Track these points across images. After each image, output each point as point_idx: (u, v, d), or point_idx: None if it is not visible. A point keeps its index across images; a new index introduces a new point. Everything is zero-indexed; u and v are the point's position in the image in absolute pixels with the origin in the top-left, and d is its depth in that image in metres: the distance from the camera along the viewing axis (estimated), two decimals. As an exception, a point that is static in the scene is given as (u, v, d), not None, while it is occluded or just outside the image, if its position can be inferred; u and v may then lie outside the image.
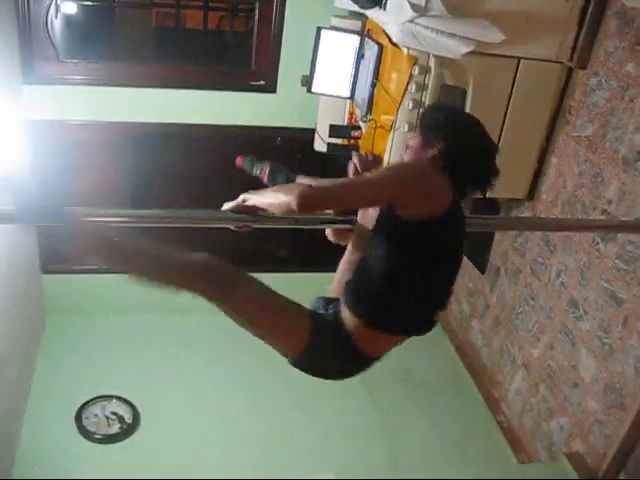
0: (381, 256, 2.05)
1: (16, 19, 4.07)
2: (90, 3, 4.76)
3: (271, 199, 2.00)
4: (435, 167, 2.08)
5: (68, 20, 4.60)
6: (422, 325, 2.23)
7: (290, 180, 2.43)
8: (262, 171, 2.54)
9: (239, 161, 2.61)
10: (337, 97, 4.23)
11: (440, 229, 2.04)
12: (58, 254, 4.96)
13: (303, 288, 5.41)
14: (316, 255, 5.33)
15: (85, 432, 4.07)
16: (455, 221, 2.14)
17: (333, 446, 4.21)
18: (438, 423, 4.44)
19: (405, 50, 3.60)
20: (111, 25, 5.20)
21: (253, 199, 2.06)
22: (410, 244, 2.03)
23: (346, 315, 2.13)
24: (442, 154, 2.11)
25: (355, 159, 2.28)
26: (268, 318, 2.20)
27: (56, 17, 4.31)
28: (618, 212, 3.43)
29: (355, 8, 3.88)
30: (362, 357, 2.29)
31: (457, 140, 2.15)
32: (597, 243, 3.60)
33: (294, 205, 1.88)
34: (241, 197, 2.10)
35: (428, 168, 2.07)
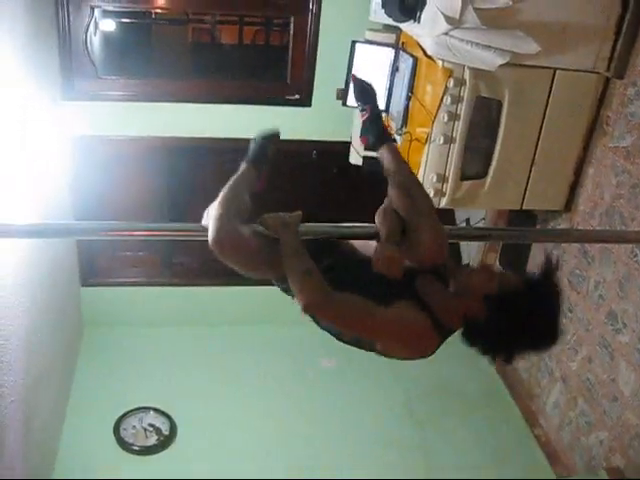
0: None
1: (57, 36, 4.15)
2: (128, 20, 4.83)
3: (292, 280, 1.98)
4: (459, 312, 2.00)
5: (106, 37, 4.68)
6: None
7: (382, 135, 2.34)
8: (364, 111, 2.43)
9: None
10: (372, 110, 4.24)
11: None
12: (97, 267, 5.03)
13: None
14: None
15: (123, 444, 4.11)
16: None
17: (370, 456, 4.21)
18: (475, 436, 4.41)
19: (440, 62, 3.60)
20: (148, 42, 5.27)
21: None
22: None
23: None
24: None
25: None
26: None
27: (95, 34, 4.39)
28: (657, 223, 3.39)
29: (389, 21, 3.89)
30: None
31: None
32: (636, 255, 3.55)
33: (300, 306, 1.93)
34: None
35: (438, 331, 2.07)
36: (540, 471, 4.22)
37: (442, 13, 3.32)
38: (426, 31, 3.54)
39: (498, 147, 3.83)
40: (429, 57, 3.68)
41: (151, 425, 4.26)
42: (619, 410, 3.66)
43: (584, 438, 3.97)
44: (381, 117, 2.40)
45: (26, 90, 3.50)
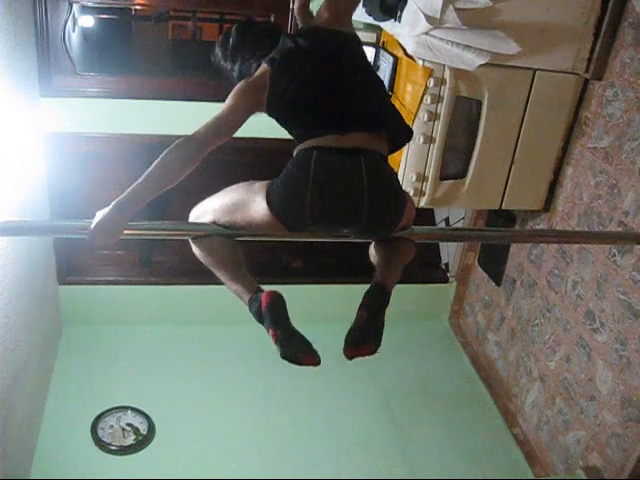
0: None
1: (34, 32, 4.10)
2: (107, 17, 4.80)
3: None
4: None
5: (85, 33, 4.65)
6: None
7: None
8: None
9: None
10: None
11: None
12: (74, 265, 4.99)
13: (318, 300, 5.43)
14: (327, 266, 5.36)
15: (100, 443, 4.07)
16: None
17: (349, 457, 4.19)
18: (454, 435, 4.42)
19: (420, 62, 3.61)
20: (128, 38, 5.24)
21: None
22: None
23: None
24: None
25: None
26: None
27: (73, 30, 4.35)
28: (635, 223, 3.41)
29: (370, 20, 3.89)
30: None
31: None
32: (614, 255, 3.58)
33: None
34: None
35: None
36: (518, 470, 4.23)
37: (423, 13, 3.33)
38: (407, 30, 3.54)
39: (478, 147, 3.85)
40: (409, 56, 3.69)
41: (129, 425, 4.23)
42: (596, 409, 3.68)
43: (562, 437, 3.99)
44: None
45: (3, 86, 3.46)
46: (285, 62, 2.28)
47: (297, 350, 2.10)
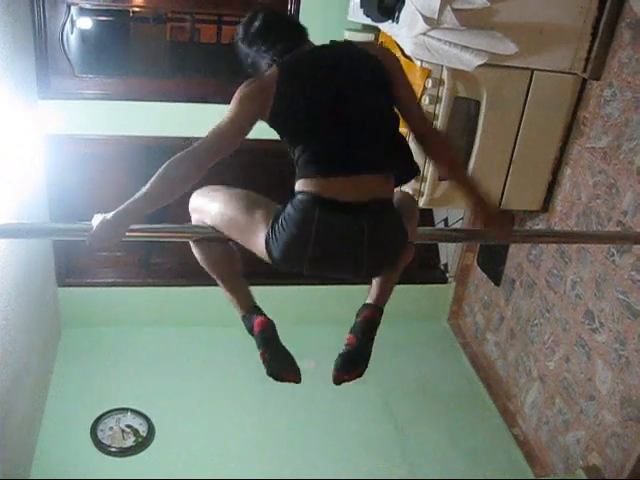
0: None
1: (32, 34, 4.10)
2: (105, 18, 4.80)
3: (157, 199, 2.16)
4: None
5: (83, 35, 4.64)
6: (348, 153, 2.17)
7: None
8: None
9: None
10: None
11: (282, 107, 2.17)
12: (73, 267, 4.99)
13: (317, 301, 5.43)
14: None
15: (100, 445, 4.07)
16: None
17: (349, 458, 4.20)
18: (453, 436, 4.42)
19: (418, 63, 3.61)
20: (126, 40, 5.24)
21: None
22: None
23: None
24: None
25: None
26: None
27: (72, 32, 4.35)
28: (633, 223, 3.42)
29: (368, 21, 3.89)
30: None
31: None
32: (612, 255, 3.58)
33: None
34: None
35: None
36: (518, 470, 4.23)
37: (420, 13, 3.33)
38: (404, 31, 3.54)
39: (476, 147, 3.85)
40: (407, 57, 3.69)
41: (128, 426, 4.23)
42: (596, 409, 3.68)
43: (561, 437, 3.99)
44: None
45: (1, 89, 3.46)
46: (296, 70, 2.20)
47: (281, 370, 2.44)
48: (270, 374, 2.42)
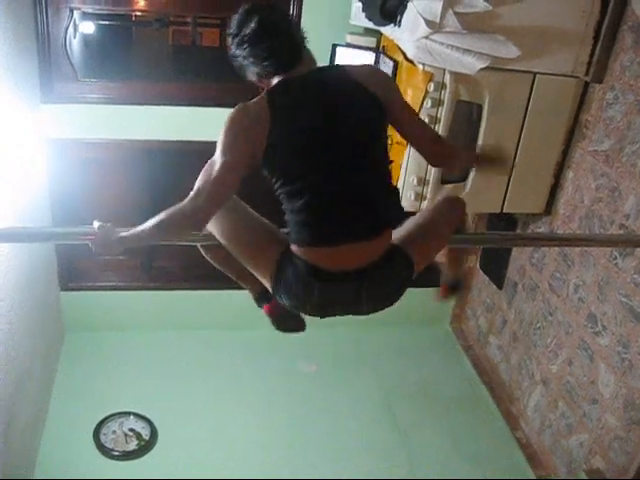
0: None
1: (35, 39, 4.11)
2: (108, 23, 4.81)
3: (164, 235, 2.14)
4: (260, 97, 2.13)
5: (86, 40, 4.65)
6: (351, 223, 2.14)
7: None
8: None
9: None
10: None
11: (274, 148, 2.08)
12: (76, 271, 4.99)
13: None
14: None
15: (103, 448, 4.08)
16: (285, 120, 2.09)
17: (352, 461, 4.20)
18: (456, 439, 4.42)
19: (420, 66, 3.61)
20: (128, 44, 5.25)
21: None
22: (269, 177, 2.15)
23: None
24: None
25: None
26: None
27: (74, 37, 4.36)
28: (636, 226, 3.41)
29: (370, 25, 3.89)
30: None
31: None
32: (615, 258, 3.58)
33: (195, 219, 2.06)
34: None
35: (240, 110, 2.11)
36: (521, 474, 4.23)
37: (422, 17, 3.33)
38: (406, 35, 3.54)
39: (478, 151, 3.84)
40: (410, 61, 3.69)
41: (131, 430, 4.23)
42: (599, 412, 3.68)
43: (564, 440, 3.99)
44: None
45: (4, 93, 3.47)
46: (288, 108, 2.10)
47: (286, 328, 2.57)
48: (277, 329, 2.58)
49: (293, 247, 2.14)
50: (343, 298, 2.20)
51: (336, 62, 4.11)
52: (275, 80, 2.16)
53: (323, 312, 2.26)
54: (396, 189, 2.34)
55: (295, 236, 2.13)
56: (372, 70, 2.31)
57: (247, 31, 2.08)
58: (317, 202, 2.09)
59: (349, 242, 2.11)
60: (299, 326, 2.56)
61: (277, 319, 2.53)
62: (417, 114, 2.43)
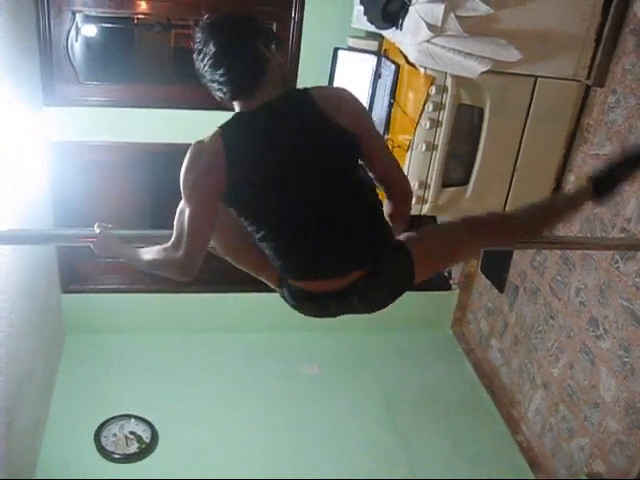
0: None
1: (37, 41, 4.12)
2: (110, 26, 4.81)
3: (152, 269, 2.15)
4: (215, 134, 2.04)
5: (88, 42, 4.66)
6: (330, 258, 2.09)
7: None
8: None
9: None
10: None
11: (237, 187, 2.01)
12: (77, 274, 5.00)
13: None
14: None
15: (104, 451, 4.07)
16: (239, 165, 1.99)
17: (352, 463, 4.20)
18: (457, 442, 4.41)
19: (422, 70, 3.61)
20: (130, 47, 5.25)
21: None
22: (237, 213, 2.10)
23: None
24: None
25: None
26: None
27: (76, 40, 4.36)
28: (637, 230, 3.41)
29: (372, 28, 3.90)
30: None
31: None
32: (616, 261, 3.58)
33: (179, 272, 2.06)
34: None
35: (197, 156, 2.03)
36: (522, 477, 4.22)
37: (424, 21, 3.34)
38: (408, 38, 3.55)
39: (480, 154, 3.85)
40: (411, 64, 3.69)
41: (132, 433, 4.23)
42: (600, 416, 3.67)
43: (565, 444, 3.98)
44: None
45: (6, 95, 3.47)
46: (244, 149, 1.99)
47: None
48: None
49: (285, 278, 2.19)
50: (339, 310, 2.22)
51: (337, 66, 4.13)
52: (236, 105, 2.07)
53: (321, 316, 2.27)
54: (380, 223, 2.17)
55: (279, 270, 2.17)
56: (340, 97, 2.05)
57: (206, 52, 1.97)
58: (283, 247, 2.09)
59: (321, 279, 2.12)
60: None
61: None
62: (387, 145, 2.32)
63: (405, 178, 2.23)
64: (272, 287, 2.28)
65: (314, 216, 2.03)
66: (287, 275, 2.15)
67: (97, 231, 2.12)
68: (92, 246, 2.12)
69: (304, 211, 2.02)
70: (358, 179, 2.10)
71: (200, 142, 2.02)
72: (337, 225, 2.04)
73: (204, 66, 1.99)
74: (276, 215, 2.04)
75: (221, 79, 1.98)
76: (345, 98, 2.04)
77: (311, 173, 2.00)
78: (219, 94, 2.04)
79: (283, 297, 2.24)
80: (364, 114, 2.13)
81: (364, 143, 2.04)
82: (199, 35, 2.01)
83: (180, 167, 2.07)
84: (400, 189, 2.20)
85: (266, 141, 1.98)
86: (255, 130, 1.99)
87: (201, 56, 1.99)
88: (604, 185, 2.37)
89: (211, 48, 1.95)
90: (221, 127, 2.02)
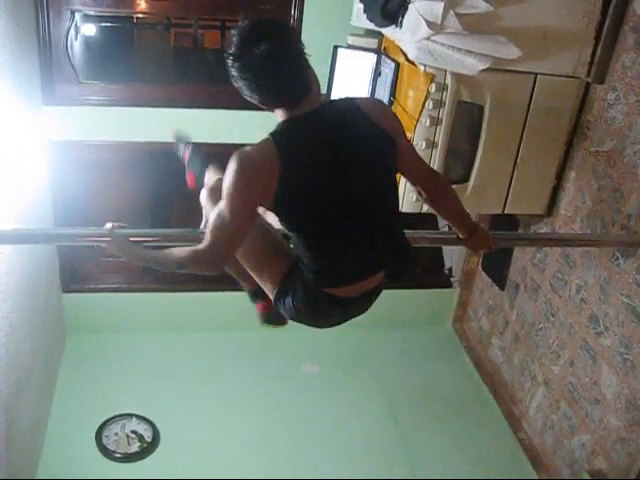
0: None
1: (37, 41, 4.12)
2: (109, 25, 4.82)
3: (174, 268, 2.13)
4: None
5: (88, 42, 4.66)
6: (365, 264, 2.24)
7: (204, 166, 2.80)
8: (183, 153, 2.78)
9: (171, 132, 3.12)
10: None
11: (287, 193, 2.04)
12: (78, 273, 5.00)
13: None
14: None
15: (105, 451, 4.07)
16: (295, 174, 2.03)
17: (353, 461, 4.20)
18: (458, 440, 4.42)
19: (422, 67, 3.61)
20: (130, 46, 5.26)
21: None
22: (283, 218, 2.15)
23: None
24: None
25: None
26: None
27: (76, 39, 4.36)
28: (638, 227, 3.41)
29: (371, 26, 3.89)
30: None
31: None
32: (617, 258, 3.57)
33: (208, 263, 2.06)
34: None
35: (249, 153, 2.03)
36: (523, 474, 4.23)
37: (424, 18, 3.33)
38: (408, 36, 3.54)
39: (480, 152, 3.84)
40: (411, 62, 3.69)
41: (133, 432, 4.23)
42: (601, 413, 3.67)
43: (567, 441, 3.98)
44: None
45: (6, 95, 3.47)
46: (297, 152, 2.02)
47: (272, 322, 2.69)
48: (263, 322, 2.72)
49: (305, 274, 2.21)
50: (356, 313, 2.40)
51: (337, 64, 4.12)
52: (279, 111, 2.07)
53: (318, 325, 2.43)
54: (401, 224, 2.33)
55: (311, 277, 2.19)
56: (381, 106, 2.28)
57: (251, 56, 1.90)
58: (328, 250, 2.15)
59: (360, 280, 2.23)
60: (283, 320, 2.64)
61: (267, 315, 2.65)
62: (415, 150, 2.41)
63: (439, 173, 2.47)
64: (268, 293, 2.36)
65: (363, 217, 2.12)
66: (323, 283, 2.19)
67: (109, 229, 2.16)
68: (106, 245, 2.13)
69: (354, 212, 2.10)
70: (395, 183, 2.23)
71: (246, 148, 2.03)
72: (381, 226, 2.18)
73: (246, 71, 1.93)
74: (326, 217, 2.09)
75: (270, 85, 1.96)
76: (386, 107, 2.31)
77: (362, 176, 2.09)
78: (261, 99, 2.01)
79: (280, 310, 2.33)
80: (400, 122, 2.24)
81: (402, 146, 2.18)
82: (238, 37, 1.94)
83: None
84: (441, 181, 2.44)
85: (319, 146, 2.03)
86: (306, 136, 2.03)
87: (242, 60, 1.92)
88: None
89: (257, 52, 1.88)
90: (272, 134, 2.04)
